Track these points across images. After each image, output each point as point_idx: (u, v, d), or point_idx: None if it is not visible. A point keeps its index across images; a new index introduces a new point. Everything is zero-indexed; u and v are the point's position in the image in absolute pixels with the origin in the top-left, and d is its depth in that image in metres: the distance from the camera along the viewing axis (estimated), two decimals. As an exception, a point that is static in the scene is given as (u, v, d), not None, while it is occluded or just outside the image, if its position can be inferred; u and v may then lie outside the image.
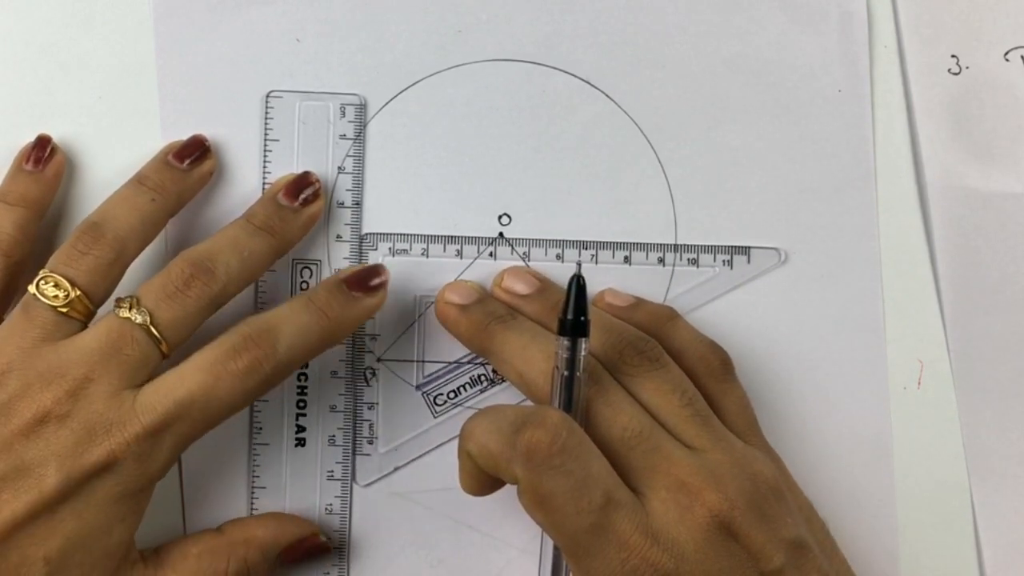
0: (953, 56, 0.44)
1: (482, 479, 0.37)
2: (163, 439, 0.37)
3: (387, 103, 0.44)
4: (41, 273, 0.38)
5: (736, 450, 0.37)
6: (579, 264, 0.38)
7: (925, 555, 0.44)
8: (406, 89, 0.44)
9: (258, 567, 0.40)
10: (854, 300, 0.44)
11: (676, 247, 0.44)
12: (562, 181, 0.44)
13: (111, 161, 0.43)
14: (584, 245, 0.44)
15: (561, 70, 0.44)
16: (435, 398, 0.43)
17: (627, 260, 0.44)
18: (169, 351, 0.38)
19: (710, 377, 0.40)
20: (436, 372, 0.43)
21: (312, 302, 0.39)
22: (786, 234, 0.44)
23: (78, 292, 0.38)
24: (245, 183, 0.43)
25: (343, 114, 0.43)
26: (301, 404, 0.43)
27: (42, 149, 0.42)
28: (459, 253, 0.43)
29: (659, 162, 0.44)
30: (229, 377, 0.37)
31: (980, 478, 0.44)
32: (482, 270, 0.43)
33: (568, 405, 0.37)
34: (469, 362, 0.43)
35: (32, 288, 0.38)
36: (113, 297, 0.39)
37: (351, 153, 0.43)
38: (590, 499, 0.34)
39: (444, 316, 0.42)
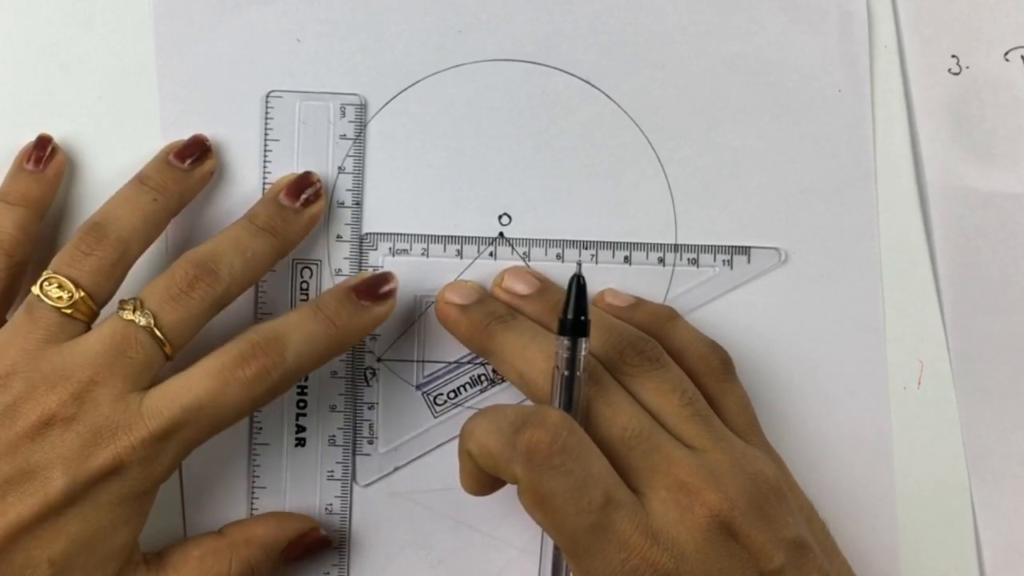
0: (953, 56, 0.44)
1: (482, 479, 0.37)
2: (169, 443, 0.37)
3: (387, 103, 0.44)
4: (45, 274, 0.38)
5: (736, 450, 0.37)
6: (579, 264, 0.38)
7: (925, 555, 0.44)
8: (406, 89, 0.44)
9: (262, 566, 0.40)
10: (854, 300, 0.44)
11: (676, 247, 0.44)
12: (562, 181, 0.44)
13: (111, 161, 0.43)
14: (584, 245, 0.44)
15: (561, 70, 0.44)
16: (435, 398, 0.43)
17: (627, 260, 0.44)
18: (173, 353, 0.38)
19: (710, 377, 0.40)
20: (436, 372, 0.43)
21: (320, 310, 0.39)
22: (786, 234, 0.44)
23: (82, 293, 0.38)
24: (245, 183, 0.43)
25: (343, 114, 0.43)
26: (301, 404, 0.43)
27: (42, 149, 0.42)
28: (459, 253, 0.43)
29: (659, 162, 0.44)
30: (237, 384, 0.37)
31: (980, 478, 0.44)
32: (482, 270, 0.43)
33: (568, 405, 0.37)
34: (469, 362, 0.43)
35: (36, 289, 0.38)
36: (116, 298, 0.39)
37: (351, 153, 0.43)
38: (590, 499, 0.34)
39: (444, 316, 0.42)
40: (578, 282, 0.37)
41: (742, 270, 0.44)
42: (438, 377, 0.43)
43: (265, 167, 0.43)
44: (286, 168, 0.43)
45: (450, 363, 0.43)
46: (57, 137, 0.43)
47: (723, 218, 0.44)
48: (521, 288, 0.42)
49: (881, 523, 0.43)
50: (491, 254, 0.43)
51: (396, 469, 0.43)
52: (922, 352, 0.44)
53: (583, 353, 0.37)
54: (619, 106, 0.44)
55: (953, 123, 0.44)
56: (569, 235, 0.44)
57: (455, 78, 0.44)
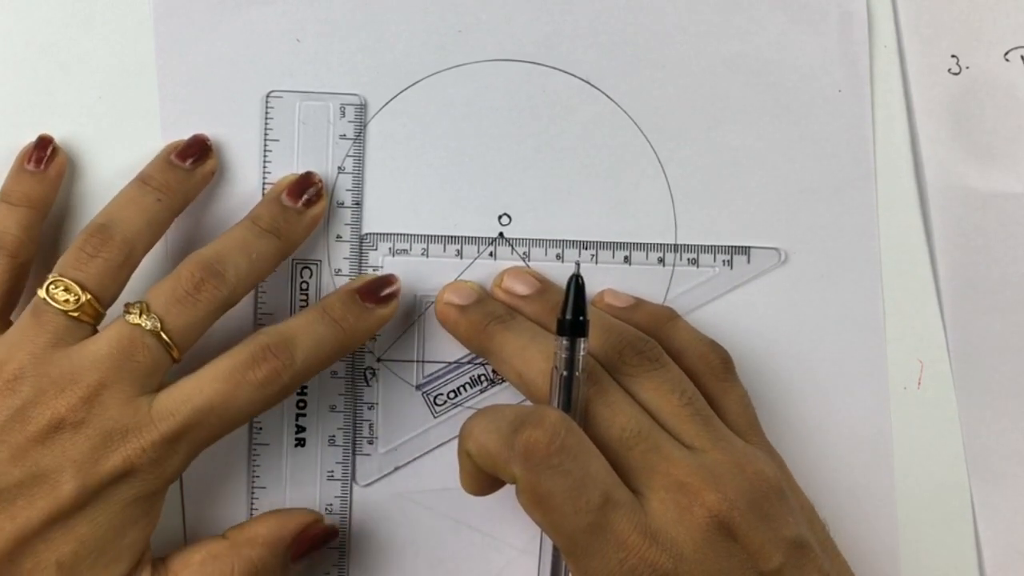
0: (953, 56, 0.44)
1: (482, 479, 0.37)
2: (179, 445, 0.37)
3: (387, 103, 0.44)
4: (51, 277, 0.38)
5: (737, 450, 0.37)
6: (578, 264, 0.38)
7: (925, 555, 0.44)
8: (406, 89, 0.44)
9: (268, 566, 0.39)
10: (854, 300, 0.44)
11: (676, 247, 0.44)
12: (562, 181, 0.44)
13: (111, 161, 0.43)
14: (584, 245, 0.44)
15: (561, 70, 0.44)
16: (435, 398, 0.43)
17: (627, 260, 0.44)
18: (180, 356, 0.38)
19: (711, 376, 0.40)
20: (436, 372, 0.43)
21: (327, 313, 0.39)
22: (786, 234, 0.44)
23: (88, 296, 0.37)
24: (245, 183, 0.43)
25: (343, 114, 0.43)
26: (301, 404, 0.43)
27: (43, 149, 0.42)
28: (459, 253, 0.43)
29: (659, 162, 0.44)
30: (247, 386, 0.37)
31: (980, 478, 0.44)
32: (482, 270, 0.43)
33: (567, 405, 0.37)
34: (469, 362, 0.43)
35: (42, 292, 0.37)
36: (120, 301, 0.39)
37: (351, 153, 0.43)
38: (588, 499, 0.34)
39: (444, 316, 0.42)
40: (576, 282, 0.37)
41: (742, 270, 0.44)
42: (438, 377, 0.43)
43: (265, 167, 0.43)
44: (286, 168, 0.43)
45: (450, 363, 0.43)
46: (57, 137, 0.43)
47: (723, 218, 0.44)
48: (521, 288, 0.42)
49: (881, 523, 0.43)
50: (491, 254, 0.43)
51: (396, 469, 0.43)
52: (922, 352, 0.44)
53: (582, 353, 0.37)
54: (619, 106, 0.44)
55: (953, 123, 0.44)
56: (569, 235, 0.44)
57: (455, 78, 0.44)
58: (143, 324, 0.37)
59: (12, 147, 0.42)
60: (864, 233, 0.44)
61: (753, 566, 0.35)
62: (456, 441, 0.37)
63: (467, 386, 0.43)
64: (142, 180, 0.41)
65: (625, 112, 0.44)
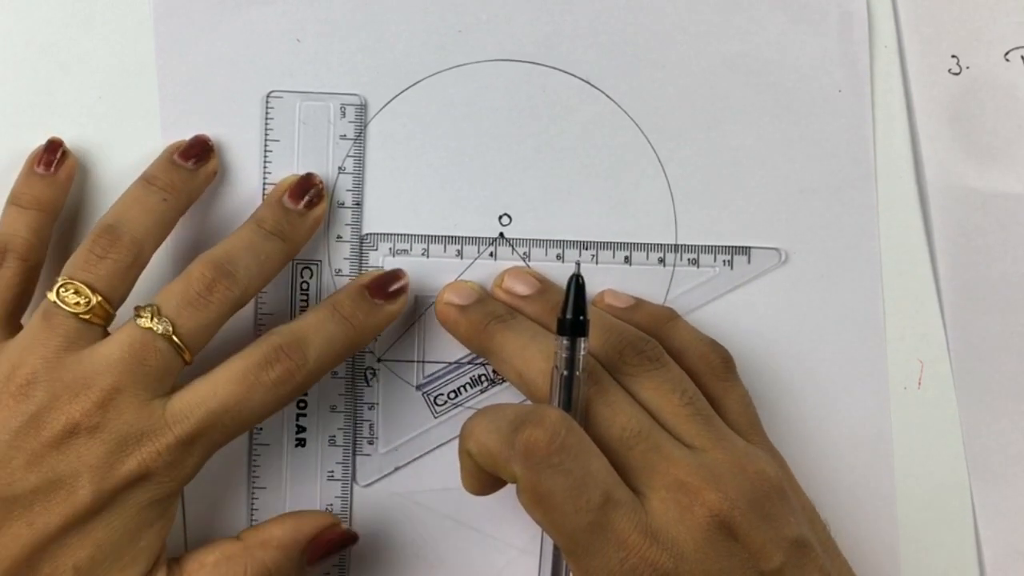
0: (953, 56, 0.44)
1: (483, 478, 0.37)
2: (194, 447, 0.37)
3: (387, 103, 0.44)
4: (60, 280, 0.38)
5: (738, 449, 0.37)
6: (578, 264, 0.38)
7: (925, 555, 0.44)
8: (406, 89, 0.44)
9: (281, 569, 0.39)
10: (854, 300, 0.44)
11: (676, 247, 0.44)
12: (562, 181, 0.44)
13: (111, 161, 0.43)
14: (584, 245, 0.44)
15: (561, 70, 0.44)
16: (435, 398, 0.43)
17: (627, 260, 0.44)
18: (191, 359, 0.38)
19: (711, 376, 0.40)
20: (436, 372, 0.43)
21: (337, 311, 0.39)
22: (786, 234, 0.44)
23: (98, 298, 0.37)
24: (246, 183, 0.43)
25: (343, 114, 0.43)
26: (301, 404, 0.43)
27: (53, 152, 0.42)
28: (459, 253, 0.43)
29: (659, 162, 0.44)
30: (262, 387, 0.37)
31: (980, 478, 0.44)
32: (482, 270, 0.43)
33: (567, 405, 0.37)
34: (469, 362, 0.43)
35: (52, 295, 0.37)
36: (129, 302, 0.38)
37: (351, 153, 0.43)
38: (589, 498, 0.34)
39: (444, 316, 0.42)
40: (577, 282, 0.37)
41: (742, 270, 0.44)
42: (438, 377, 0.43)
43: (265, 167, 0.43)
44: (286, 168, 0.43)
45: (450, 363, 0.43)
46: (57, 137, 0.43)
47: (723, 218, 0.44)
48: (521, 289, 0.42)
49: (881, 523, 0.43)
50: (491, 254, 0.43)
51: (396, 469, 0.43)
52: (922, 352, 0.44)
53: (582, 353, 0.37)
54: (619, 106, 0.44)
55: (953, 123, 0.44)
56: (569, 235, 0.44)
57: (455, 78, 0.44)
58: (155, 328, 0.37)
59: (12, 147, 0.42)
60: (864, 233, 0.44)
61: (754, 566, 0.35)
62: (456, 441, 0.37)
63: (467, 386, 0.43)
64: (147, 180, 0.41)
65: (625, 112, 0.44)
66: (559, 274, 0.43)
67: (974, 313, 0.44)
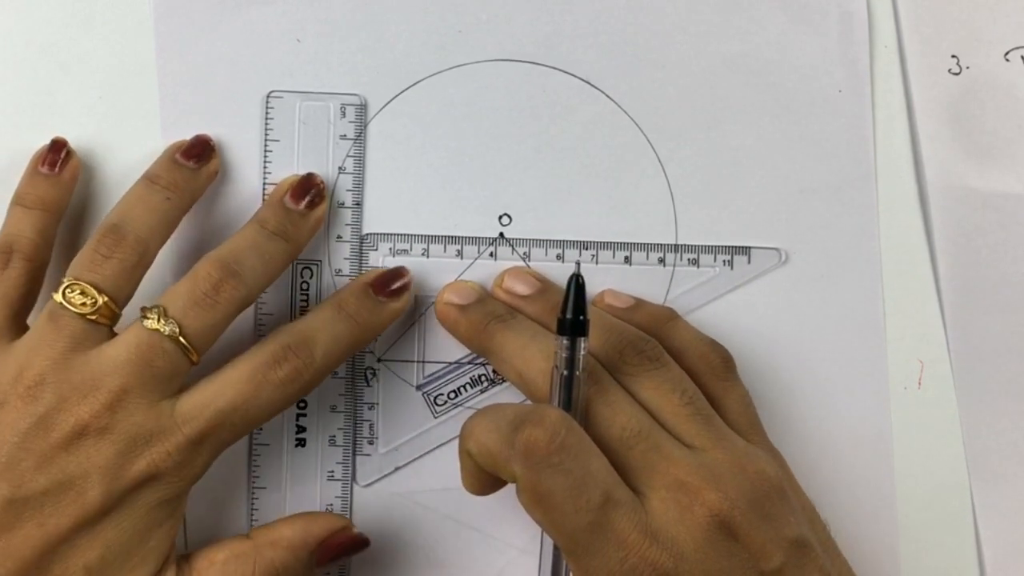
0: (953, 56, 0.44)
1: (483, 478, 0.37)
2: (203, 447, 0.37)
3: (387, 103, 0.44)
4: (66, 281, 0.37)
5: (738, 449, 0.37)
6: (578, 264, 0.38)
7: (925, 555, 0.44)
8: (406, 89, 0.44)
9: (290, 568, 0.39)
10: (854, 300, 0.44)
11: (676, 247, 0.44)
12: (562, 181, 0.44)
13: (112, 162, 0.43)
14: (584, 245, 0.44)
15: (561, 70, 0.44)
16: (435, 398, 0.43)
17: (627, 260, 0.44)
18: (198, 360, 0.38)
19: (711, 376, 0.40)
20: (436, 372, 0.43)
21: (342, 309, 0.40)
22: (786, 234, 0.44)
23: (105, 298, 0.37)
24: (246, 184, 0.43)
25: (343, 114, 0.43)
26: (301, 404, 0.43)
27: (57, 152, 0.42)
28: (459, 253, 0.43)
29: (659, 162, 0.44)
30: (270, 386, 0.37)
31: (980, 478, 0.44)
32: (482, 270, 0.43)
33: (567, 404, 0.37)
34: (469, 362, 0.43)
35: (58, 296, 0.37)
36: (132, 303, 0.38)
37: (351, 153, 0.43)
38: (588, 497, 0.34)
39: (444, 316, 0.42)
40: (577, 281, 0.37)
41: (742, 270, 0.44)
42: (438, 377, 0.43)
43: (265, 167, 0.43)
44: (286, 168, 0.43)
45: (450, 363, 0.43)
46: (57, 137, 0.43)
47: (723, 218, 0.44)
48: (521, 289, 0.42)
49: (881, 523, 0.43)
50: (491, 254, 0.43)
51: (396, 469, 0.43)
52: (922, 352, 0.44)
53: (582, 352, 0.37)
54: (619, 106, 0.44)
55: (953, 123, 0.44)
56: (569, 235, 0.44)
57: (455, 78, 0.44)
58: (161, 329, 0.37)
59: (13, 147, 0.42)
60: (864, 233, 0.44)
61: (754, 565, 0.35)
62: (456, 441, 0.37)
63: (467, 386, 0.43)
64: (150, 179, 0.40)
65: (625, 112, 0.44)
66: (559, 274, 0.43)
67: (974, 313, 0.44)
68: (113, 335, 0.38)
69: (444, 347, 0.43)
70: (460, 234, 0.43)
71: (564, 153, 0.44)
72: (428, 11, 0.44)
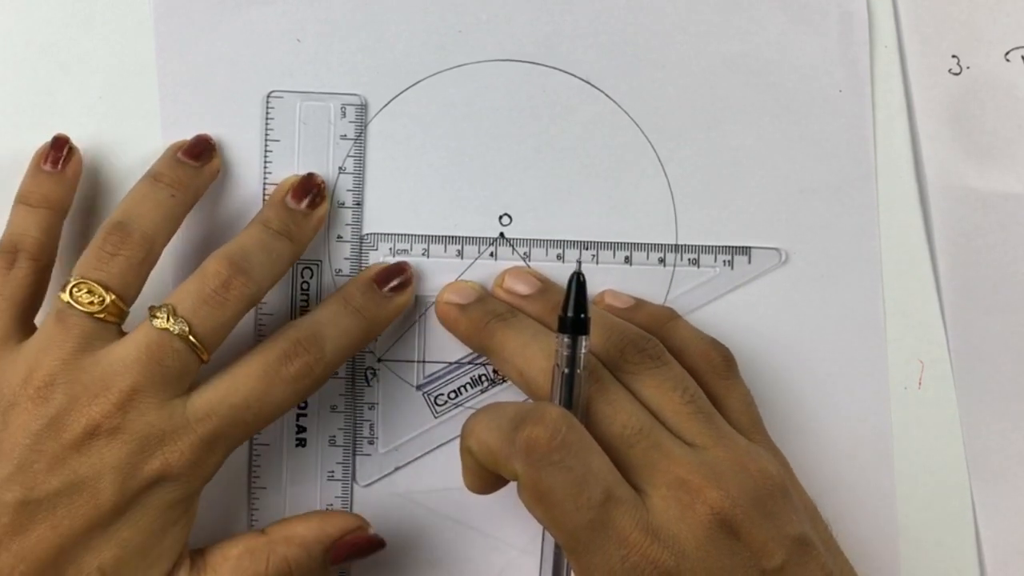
0: (953, 56, 0.44)
1: (485, 477, 0.37)
2: (216, 445, 0.37)
3: (388, 103, 0.44)
4: (73, 279, 0.37)
5: (739, 447, 0.37)
6: (579, 262, 0.38)
7: (925, 555, 0.44)
8: (407, 89, 0.44)
9: (303, 566, 0.39)
10: (854, 300, 0.44)
11: (676, 247, 0.44)
12: (562, 181, 0.44)
13: (112, 161, 0.43)
14: (585, 245, 0.44)
15: (561, 70, 0.44)
16: (436, 398, 0.43)
17: (628, 260, 0.44)
18: (208, 358, 0.38)
19: (713, 374, 0.40)
20: (437, 372, 0.43)
21: (349, 303, 0.40)
22: (786, 234, 0.44)
23: (112, 296, 0.37)
24: (246, 183, 0.43)
25: (344, 114, 0.43)
26: (301, 404, 0.43)
27: (59, 149, 0.41)
28: (460, 253, 0.43)
29: (659, 162, 0.44)
30: (281, 382, 0.37)
31: (980, 478, 0.44)
32: (483, 270, 0.43)
33: (568, 403, 0.37)
34: (470, 362, 0.43)
35: (65, 296, 0.37)
36: (137, 302, 0.38)
37: (352, 153, 0.43)
38: (590, 495, 0.34)
39: (444, 316, 0.42)
40: (578, 280, 0.37)
41: (743, 270, 0.44)
42: (439, 377, 0.43)
43: (266, 167, 0.43)
44: (287, 168, 0.43)
45: (451, 363, 0.43)
46: (58, 137, 0.43)
47: (723, 218, 0.44)
48: (522, 288, 0.42)
49: (881, 523, 0.43)
50: (492, 254, 0.43)
51: (396, 469, 0.43)
52: (922, 352, 0.44)
53: (583, 351, 0.37)
54: (619, 106, 0.44)
55: (953, 123, 0.44)
56: (569, 235, 0.44)
57: (455, 78, 0.44)
58: (171, 328, 0.37)
59: (13, 147, 0.42)
60: (864, 233, 0.44)
61: (756, 564, 0.35)
62: (457, 441, 0.37)
63: (468, 386, 0.43)
64: (153, 177, 0.40)
65: (625, 112, 0.44)
66: (559, 274, 0.43)
67: (974, 313, 0.44)
68: (122, 333, 0.38)
69: (444, 347, 0.43)
70: (460, 234, 0.43)
71: (564, 153, 0.44)
72: (428, 11, 0.44)
